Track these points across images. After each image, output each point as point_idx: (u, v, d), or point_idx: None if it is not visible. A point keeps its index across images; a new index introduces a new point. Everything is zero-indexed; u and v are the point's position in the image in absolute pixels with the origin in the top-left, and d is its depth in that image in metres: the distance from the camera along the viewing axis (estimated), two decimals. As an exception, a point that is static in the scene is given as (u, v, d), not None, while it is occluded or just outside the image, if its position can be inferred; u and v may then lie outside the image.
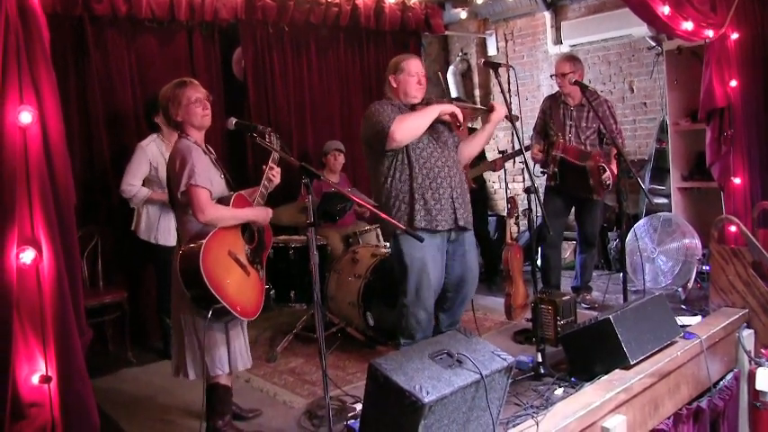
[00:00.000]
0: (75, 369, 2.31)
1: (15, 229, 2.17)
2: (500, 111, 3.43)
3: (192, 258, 2.57)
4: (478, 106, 3.97)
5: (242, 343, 2.86)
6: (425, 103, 3.43)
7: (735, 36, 4.12)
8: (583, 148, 4.32)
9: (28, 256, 2.18)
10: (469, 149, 3.62)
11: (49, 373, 2.22)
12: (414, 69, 3.43)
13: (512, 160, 6.50)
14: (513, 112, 3.41)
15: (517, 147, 5.29)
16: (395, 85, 3.46)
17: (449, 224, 3.39)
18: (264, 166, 2.95)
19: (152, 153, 3.97)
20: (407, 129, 3.25)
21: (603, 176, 4.18)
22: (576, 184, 4.31)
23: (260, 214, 2.87)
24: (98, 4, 4.15)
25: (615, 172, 4.21)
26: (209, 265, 2.56)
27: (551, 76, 4.59)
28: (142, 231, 4.04)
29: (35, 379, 2.21)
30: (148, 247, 4.06)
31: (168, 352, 3.85)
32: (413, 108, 3.42)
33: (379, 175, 3.42)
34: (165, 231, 4.00)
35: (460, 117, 3.34)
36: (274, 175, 2.93)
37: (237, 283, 2.69)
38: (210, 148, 2.92)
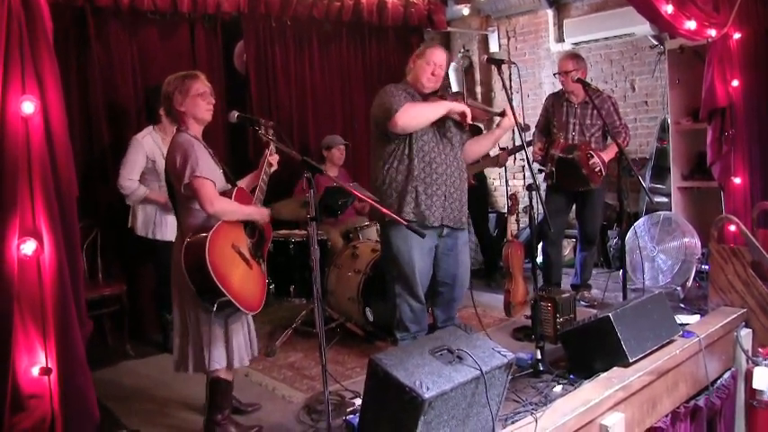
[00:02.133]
0: (75, 361, 2.31)
1: (17, 219, 2.17)
2: (511, 118, 3.41)
3: (197, 251, 2.57)
4: (490, 108, 3.98)
5: (241, 339, 2.83)
6: (439, 96, 3.43)
7: (737, 36, 4.12)
8: (571, 142, 4.34)
9: (29, 247, 2.17)
10: (474, 149, 3.63)
11: (49, 365, 2.21)
12: (432, 59, 3.42)
13: (512, 158, 6.51)
14: (518, 117, 3.41)
15: (518, 143, 5.31)
16: (411, 66, 3.48)
17: (438, 221, 3.41)
18: (263, 159, 2.98)
19: (148, 145, 3.94)
20: (412, 117, 3.26)
21: (591, 162, 4.20)
22: (572, 178, 4.31)
23: (263, 214, 2.91)
24: (100, -6, 4.13)
25: (606, 159, 4.23)
26: (214, 258, 2.56)
27: (554, 74, 4.59)
28: (139, 228, 4.02)
29: (35, 371, 2.20)
30: (147, 244, 4.03)
31: (167, 345, 3.85)
32: (424, 98, 3.42)
33: (379, 159, 3.45)
34: (162, 226, 3.97)
35: (469, 118, 3.33)
36: (271, 163, 2.98)
37: (241, 276, 2.70)
38: (206, 145, 2.90)
